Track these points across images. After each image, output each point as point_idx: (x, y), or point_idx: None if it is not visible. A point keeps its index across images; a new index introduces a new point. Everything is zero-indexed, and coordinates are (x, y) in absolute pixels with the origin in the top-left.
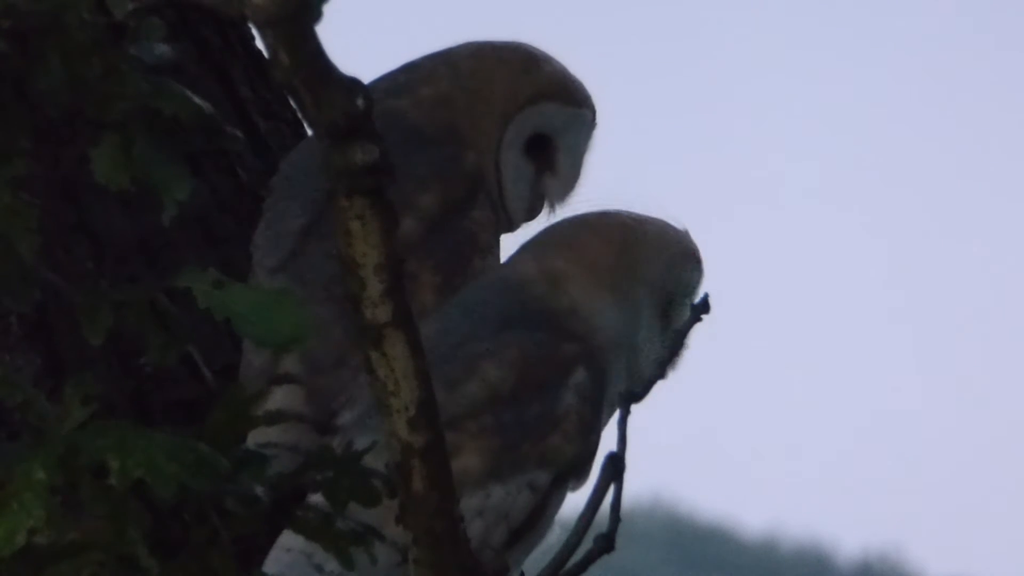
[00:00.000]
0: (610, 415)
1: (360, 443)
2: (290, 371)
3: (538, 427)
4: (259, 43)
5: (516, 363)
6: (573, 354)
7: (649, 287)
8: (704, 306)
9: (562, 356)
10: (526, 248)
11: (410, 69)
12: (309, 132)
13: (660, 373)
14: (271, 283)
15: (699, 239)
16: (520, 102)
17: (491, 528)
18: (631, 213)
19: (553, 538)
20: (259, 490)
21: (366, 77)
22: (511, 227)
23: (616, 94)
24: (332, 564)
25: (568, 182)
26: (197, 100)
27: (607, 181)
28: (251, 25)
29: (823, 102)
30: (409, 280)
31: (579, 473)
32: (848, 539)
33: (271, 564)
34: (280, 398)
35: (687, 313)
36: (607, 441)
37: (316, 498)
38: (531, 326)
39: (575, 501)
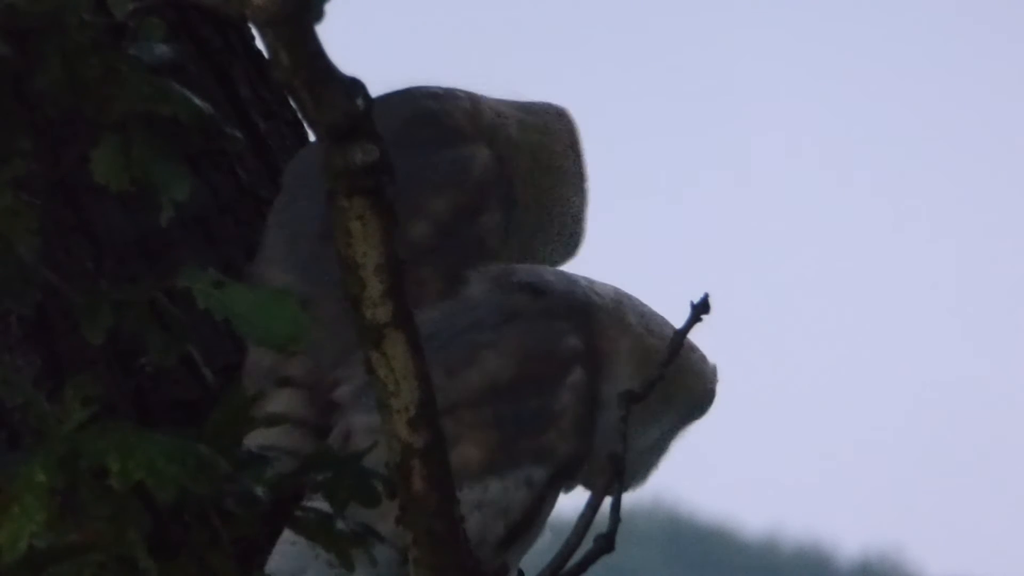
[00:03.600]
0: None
1: (357, 422)
2: (296, 374)
3: (535, 423)
4: (259, 43)
5: (516, 355)
6: (573, 352)
7: None
8: (704, 306)
9: (562, 353)
10: None
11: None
12: (309, 132)
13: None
14: (282, 281)
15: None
16: None
17: (489, 523)
18: None
19: (551, 538)
20: (259, 491)
21: (366, 77)
22: None
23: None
24: None
25: None
26: (197, 101)
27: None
28: (251, 25)
29: (841, 93)
30: (417, 285)
31: (572, 474)
32: (848, 539)
33: (276, 559)
34: (283, 401)
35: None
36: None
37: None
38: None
39: (575, 501)
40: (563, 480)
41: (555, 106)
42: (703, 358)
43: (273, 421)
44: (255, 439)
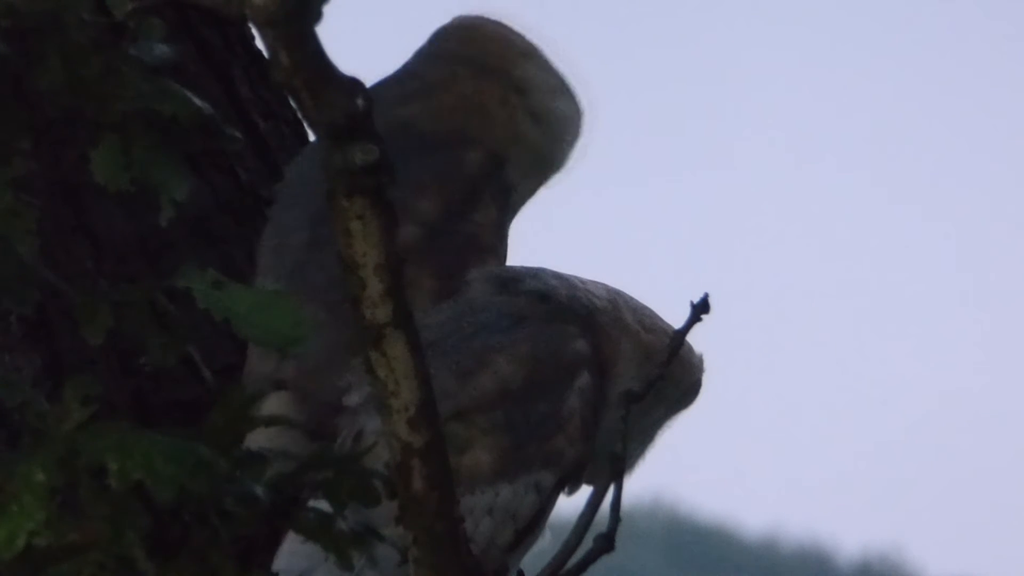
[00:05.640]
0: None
1: (369, 425)
2: (287, 377)
3: (544, 427)
4: (259, 43)
5: (526, 359)
6: (581, 357)
7: None
8: (704, 306)
9: (570, 358)
10: None
11: (411, 76)
12: (309, 132)
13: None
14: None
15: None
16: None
17: (499, 528)
18: None
19: (551, 539)
20: (259, 491)
21: (366, 77)
22: None
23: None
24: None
25: None
26: (197, 100)
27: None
28: (251, 25)
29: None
30: (408, 286)
31: (577, 478)
32: (848, 539)
33: (285, 557)
34: (275, 404)
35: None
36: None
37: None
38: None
39: (575, 501)
40: (568, 483)
41: (450, 25)
42: (691, 349)
43: (272, 422)
44: (248, 441)
